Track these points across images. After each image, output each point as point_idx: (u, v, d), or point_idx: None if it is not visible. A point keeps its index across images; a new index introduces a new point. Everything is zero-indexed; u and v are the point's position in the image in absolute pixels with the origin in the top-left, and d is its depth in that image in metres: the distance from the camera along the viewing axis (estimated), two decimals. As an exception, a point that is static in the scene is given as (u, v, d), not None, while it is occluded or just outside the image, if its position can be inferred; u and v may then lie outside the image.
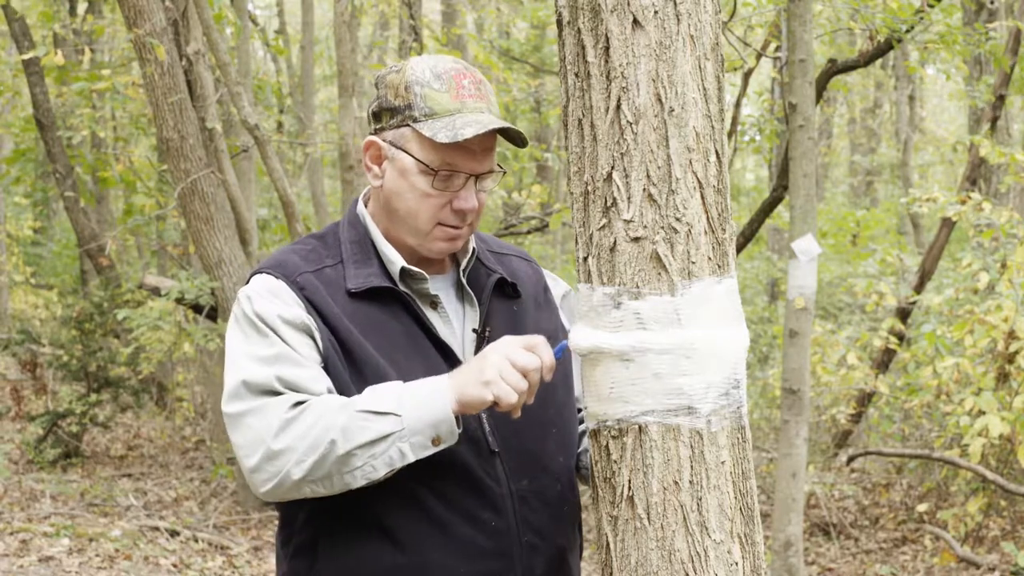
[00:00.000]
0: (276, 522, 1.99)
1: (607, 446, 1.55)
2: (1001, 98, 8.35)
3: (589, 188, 1.51)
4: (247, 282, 1.87)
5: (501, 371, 1.67)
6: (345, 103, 8.27)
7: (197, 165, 6.88)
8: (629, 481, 1.51)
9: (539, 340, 1.72)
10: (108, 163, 10.11)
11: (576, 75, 1.51)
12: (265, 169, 7.40)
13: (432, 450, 1.71)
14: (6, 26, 11.06)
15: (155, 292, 8.12)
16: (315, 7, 13.74)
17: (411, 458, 1.69)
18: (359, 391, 1.76)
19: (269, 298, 1.80)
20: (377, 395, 1.71)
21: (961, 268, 7.19)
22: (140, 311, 8.66)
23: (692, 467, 1.49)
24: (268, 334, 1.77)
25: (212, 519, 7.44)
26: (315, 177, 12.37)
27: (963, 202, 6.97)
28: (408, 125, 1.81)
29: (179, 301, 7.49)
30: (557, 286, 2.09)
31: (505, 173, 1.94)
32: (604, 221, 1.50)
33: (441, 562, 1.80)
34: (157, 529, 7.04)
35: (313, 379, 1.75)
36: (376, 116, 1.86)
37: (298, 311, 1.79)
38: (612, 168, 1.48)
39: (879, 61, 11.37)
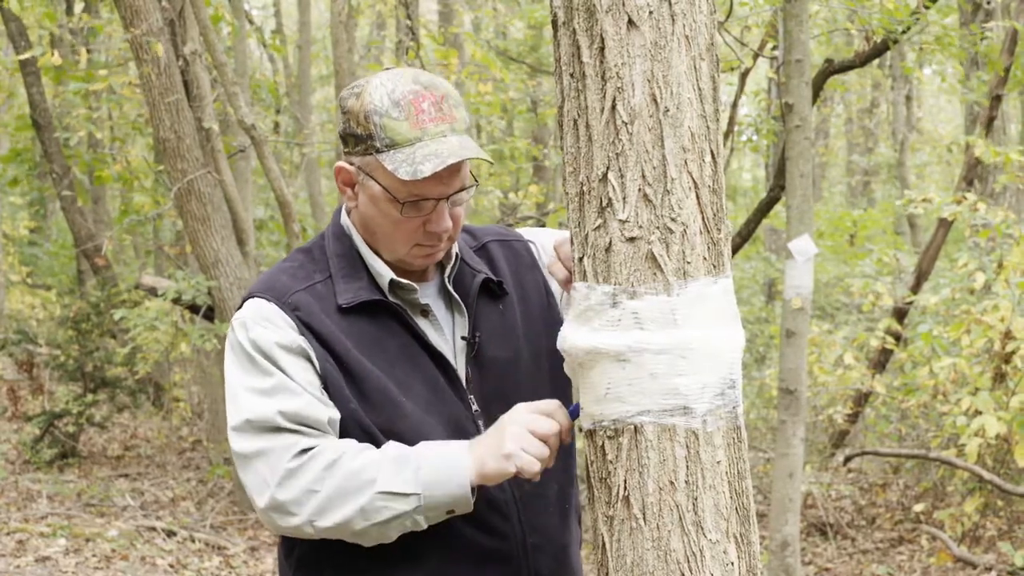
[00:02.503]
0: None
1: (603, 446, 1.54)
2: (997, 98, 8.36)
3: (584, 188, 1.51)
4: (239, 307, 1.87)
5: (521, 443, 1.68)
6: (342, 103, 8.26)
7: (194, 165, 6.88)
8: (625, 481, 1.51)
9: (554, 405, 1.73)
10: (105, 162, 10.10)
11: (571, 75, 1.51)
12: (262, 169, 7.40)
13: (444, 518, 1.74)
14: (3, 26, 11.05)
15: (152, 292, 8.11)
16: (312, 7, 13.73)
17: (423, 527, 1.72)
18: (361, 408, 1.77)
19: (263, 324, 1.80)
20: (396, 468, 1.70)
21: (957, 268, 7.19)
22: (137, 311, 8.65)
23: (688, 467, 1.49)
24: (265, 364, 1.78)
25: (209, 519, 7.43)
26: (312, 177, 12.37)
27: (959, 202, 6.97)
28: (372, 154, 1.79)
29: (176, 301, 7.48)
30: (543, 247, 2.05)
31: (478, 186, 1.92)
32: (599, 221, 1.50)
33: (451, 568, 1.82)
34: (154, 529, 7.04)
35: (314, 408, 1.75)
36: (343, 140, 1.85)
37: (293, 335, 1.79)
38: (607, 168, 1.48)
39: (876, 61, 11.37)
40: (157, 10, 6.69)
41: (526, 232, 2.10)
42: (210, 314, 7.45)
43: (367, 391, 1.78)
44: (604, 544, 1.55)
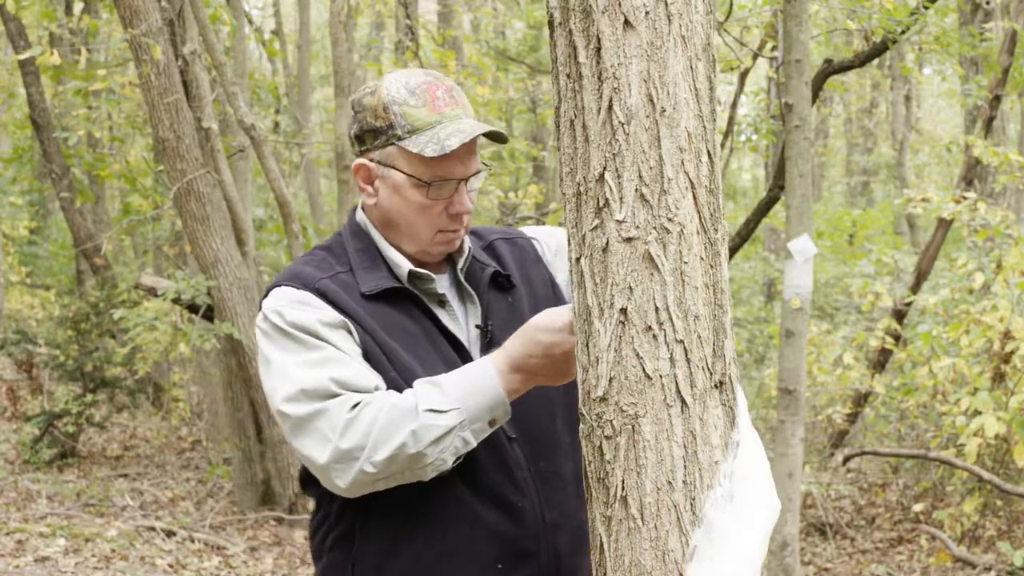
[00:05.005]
0: (307, 515, 2.04)
1: (600, 447, 1.54)
2: (997, 98, 8.36)
3: (581, 189, 1.51)
4: (265, 296, 1.94)
5: (567, 373, 1.77)
6: (341, 103, 8.28)
7: (193, 165, 6.88)
8: (623, 481, 1.51)
9: (557, 314, 1.78)
10: (105, 162, 10.10)
11: (568, 76, 1.51)
12: (261, 169, 7.40)
13: (489, 431, 1.80)
14: (2, 26, 11.04)
15: (151, 292, 8.10)
16: (311, 7, 13.72)
17: (473, 443, 1.79)
18: (397, 384, 1.85)
19: (300, 307, 1.87)
20: (436, 391, 1.78)
21: (957, 268, 7.19)
22: (136, 311, 8.63)
23: (685, 467, 1.49)
24: (310, 341, 1.84)
25: (208, 519, 7.43)
26: (311, 177, 12.37)
27: (958, 202, 6.97)
28: (393, 144, 1.89)
29: (175, 301, 7.47)
30: (547, 244, 2.16)
31: (491, 170, 2.00)
32: (596, 222, 1.50)
33: (472, 545, 1.87)
34: (153, 529, 7.03)
35: (364, 375, 1.83)
36: (359, 139, 1.94)
37: (332, 312, 1.87)
38: (604, 169, 1.48)
39: (875, 61, 11.37)
40: (156, 10, 6.69)
41: (528, 230, 2.20)
42: (209, 314, 7.44)
43: (397, 367, 1.86)
44: (602, 544, 1.55)
